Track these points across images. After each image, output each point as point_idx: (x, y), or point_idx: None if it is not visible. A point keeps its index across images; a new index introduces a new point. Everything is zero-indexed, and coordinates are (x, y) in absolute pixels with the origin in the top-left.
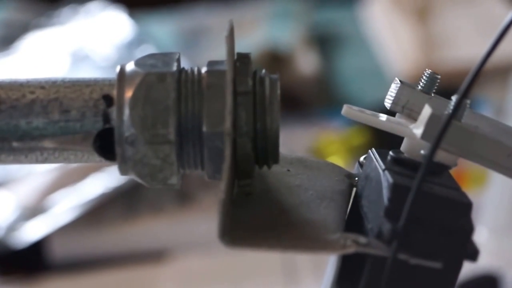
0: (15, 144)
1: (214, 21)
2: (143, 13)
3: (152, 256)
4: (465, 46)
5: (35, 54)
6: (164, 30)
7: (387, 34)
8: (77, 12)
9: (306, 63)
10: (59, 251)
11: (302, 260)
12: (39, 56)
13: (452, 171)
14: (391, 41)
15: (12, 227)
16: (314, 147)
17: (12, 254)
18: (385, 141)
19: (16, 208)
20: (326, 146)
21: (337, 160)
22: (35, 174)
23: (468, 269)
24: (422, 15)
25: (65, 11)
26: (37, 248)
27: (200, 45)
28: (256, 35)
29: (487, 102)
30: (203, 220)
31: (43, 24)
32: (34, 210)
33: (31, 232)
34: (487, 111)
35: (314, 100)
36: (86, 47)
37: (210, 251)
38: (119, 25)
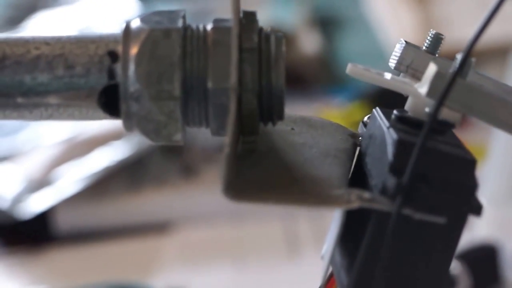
0: (19, 99)
1: (219, 4)
2: None
3: (155, 228)
4: (465, 28)
5: (42, 34)
6: None
7: (388, 16)
8: None
9: (309, 43)
10: (64, 222)
11: (305, 231)
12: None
13: None
14: (392, 23)
15: (18, 199)
16: None
17: (18, 225)
18: None
19: (23, 180)
20: None
21: None
22: (41, 148)
23: (467, 238)
24: None
25: None
26: (43, 220)
27: None
28: (260, 15)
29: None
30: (207, 193)
31: (50, 4)
32: (40, 183)
33: (37, 203)
34: None
35: (316, 78)
36: (92, 27)
37: (213, 223)
38: (126, 5)
